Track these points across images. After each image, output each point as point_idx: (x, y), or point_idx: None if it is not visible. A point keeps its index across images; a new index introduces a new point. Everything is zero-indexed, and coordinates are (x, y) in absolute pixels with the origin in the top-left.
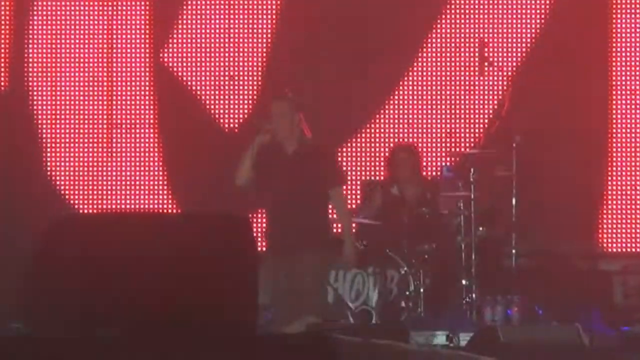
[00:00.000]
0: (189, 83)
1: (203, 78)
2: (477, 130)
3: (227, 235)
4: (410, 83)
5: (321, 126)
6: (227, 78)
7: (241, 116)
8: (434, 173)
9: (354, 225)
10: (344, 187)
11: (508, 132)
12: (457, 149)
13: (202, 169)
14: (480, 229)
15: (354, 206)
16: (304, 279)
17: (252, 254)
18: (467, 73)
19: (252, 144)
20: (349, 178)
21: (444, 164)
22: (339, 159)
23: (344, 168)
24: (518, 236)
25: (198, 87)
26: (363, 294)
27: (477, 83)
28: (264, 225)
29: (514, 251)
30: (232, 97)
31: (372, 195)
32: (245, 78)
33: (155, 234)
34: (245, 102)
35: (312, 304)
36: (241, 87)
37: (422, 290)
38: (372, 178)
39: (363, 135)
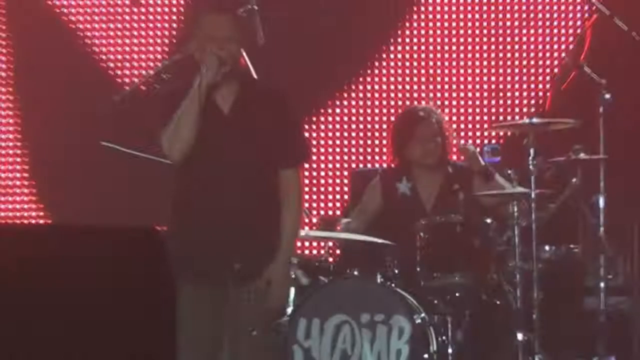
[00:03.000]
0: (71, 24)
1: (90, 17)
2: (539, 88)
3: (132, 252)
4: (424, 17)
5: (289, 93)
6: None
7: (151, 73)
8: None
9: (334, 243)
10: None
11: (590, 88)
12: (507, 118)
13: (85, 159)
14: (547, 248)
15: (337, 212)
16: (243, 327)
17: (167, 277)
18: None
19: (194, 87)
20: (329, 166)
21: (485, 142)
22: (310, 131)
23: (319, 147)
24: (609, 260)
25: (85, 31)
26: (353, 356)
27: (536, 12)
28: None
29: (602, 285)
30: (139, 47)
31: (368, 193)
32: (159, 18)
33: (23, 252)
34: (158, 54)
35: None
36: (153, 32)
37: (450, 350)
38: (368, 166)
39: (353, 101)
